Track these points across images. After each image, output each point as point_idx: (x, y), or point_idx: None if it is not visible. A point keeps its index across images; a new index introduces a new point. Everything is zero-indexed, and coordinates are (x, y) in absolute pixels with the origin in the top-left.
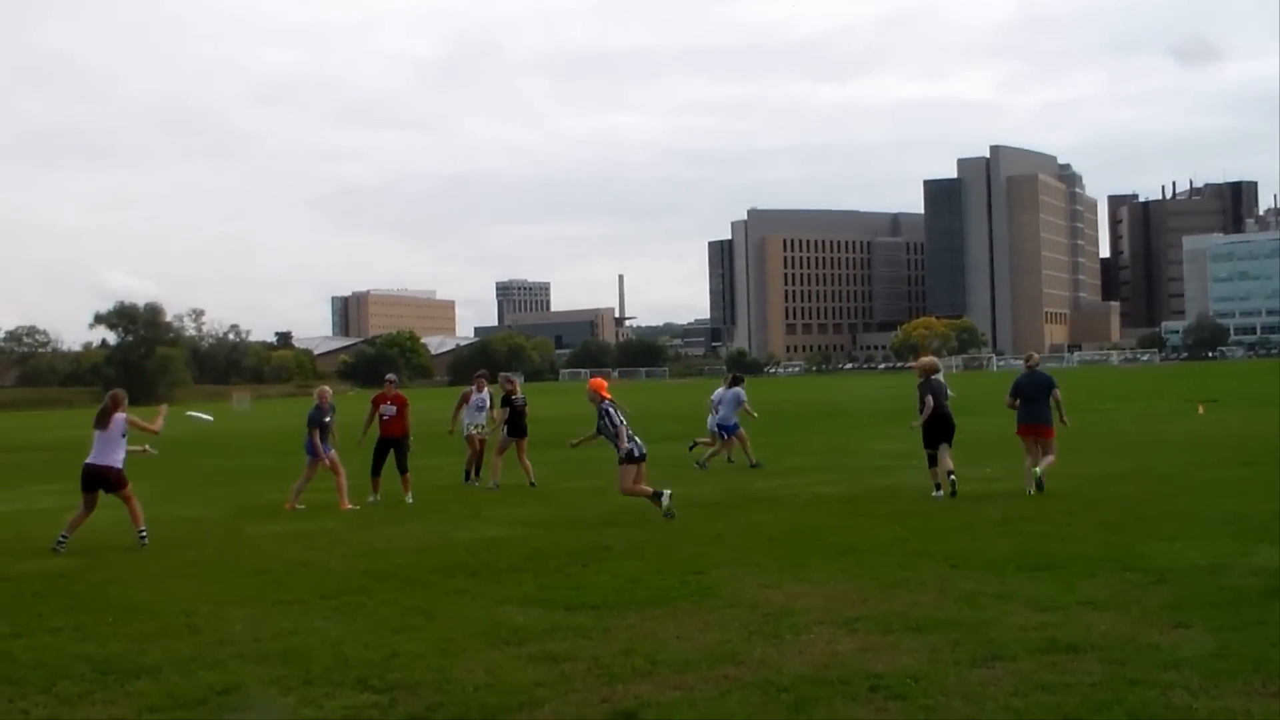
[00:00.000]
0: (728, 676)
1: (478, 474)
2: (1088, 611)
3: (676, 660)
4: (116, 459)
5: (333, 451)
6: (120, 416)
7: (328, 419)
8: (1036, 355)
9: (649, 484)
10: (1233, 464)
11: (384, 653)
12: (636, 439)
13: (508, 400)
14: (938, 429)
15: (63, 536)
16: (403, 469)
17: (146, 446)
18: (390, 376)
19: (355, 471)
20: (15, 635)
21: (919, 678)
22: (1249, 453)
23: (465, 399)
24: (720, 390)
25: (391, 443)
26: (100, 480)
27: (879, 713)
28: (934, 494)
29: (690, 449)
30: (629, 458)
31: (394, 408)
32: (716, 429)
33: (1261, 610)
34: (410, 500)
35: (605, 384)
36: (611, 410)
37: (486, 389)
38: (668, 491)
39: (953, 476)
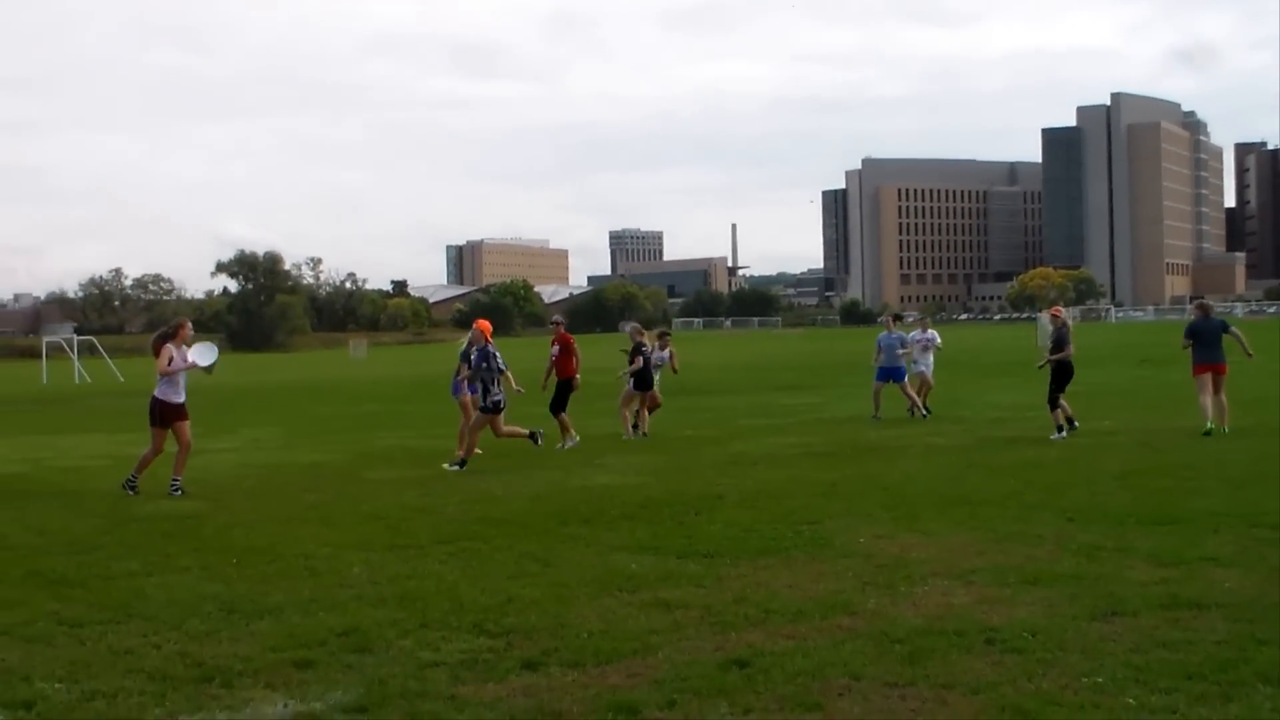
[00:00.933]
0: (841, 627)
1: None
2: (1211, 568)
3: (789, 609)
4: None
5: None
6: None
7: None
8: (1209, 301)
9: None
10: None
11: (499, 598)
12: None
13: (638, 351)
14: (1067, 373)
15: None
16: (556, 409)
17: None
18: (556, 318)
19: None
20: (147, 573)
21: (1036, 631)
22: None
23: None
24: (917, 333)
25: (560, 384)
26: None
27: (995, 666)
28: (1053, 436)
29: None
30: (495, 408)
31: (555, 348)
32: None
33: None
34: (564, 445)
35: (490, 327)
36: (496, 355)
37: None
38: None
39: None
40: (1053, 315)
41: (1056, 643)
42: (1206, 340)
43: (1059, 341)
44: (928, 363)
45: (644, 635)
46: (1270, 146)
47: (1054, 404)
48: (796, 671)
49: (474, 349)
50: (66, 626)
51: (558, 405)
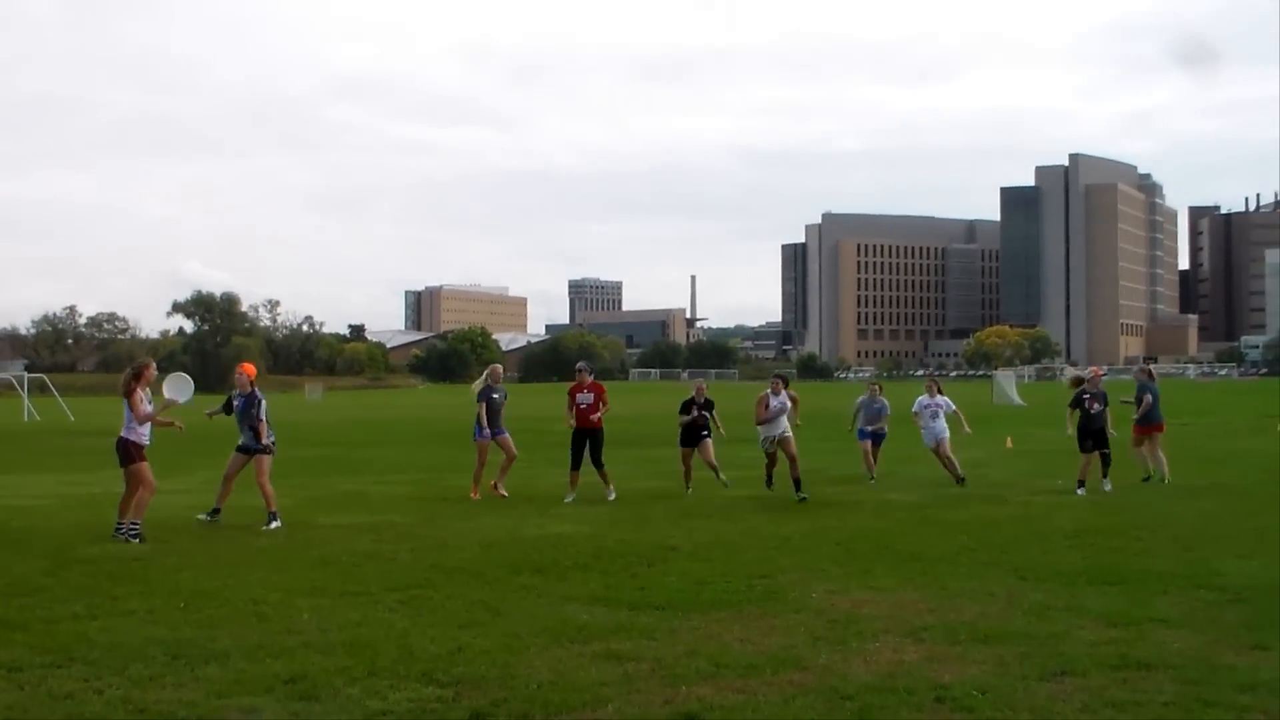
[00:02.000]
0: (792, 682)
1: None
2: (1160, 629)
3: (740, 664)
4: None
5: (505, 434)
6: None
7: (496, 395)
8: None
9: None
10: None
11: (449, 647)
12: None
13: (691, 404)
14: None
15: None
16: (598, 463)
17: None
18: (581, 365)
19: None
20: (91, 616)
21: (986, 690)
22: None
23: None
24: (924, 399)
25: (588, 434)
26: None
27: None
28: (1078, 491)
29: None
30: (268, 450)
31: (590, 396)
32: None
33: None
34: (612, 496)
35: (254, 371)
36: (263, 401)
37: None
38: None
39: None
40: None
41: (1006, 701)
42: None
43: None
44: (941, 429)
45: (594, 687)
46: (1223, 210)
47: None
48: None
49: (238, 395)
50: (4, 670)
51: (596, 456)
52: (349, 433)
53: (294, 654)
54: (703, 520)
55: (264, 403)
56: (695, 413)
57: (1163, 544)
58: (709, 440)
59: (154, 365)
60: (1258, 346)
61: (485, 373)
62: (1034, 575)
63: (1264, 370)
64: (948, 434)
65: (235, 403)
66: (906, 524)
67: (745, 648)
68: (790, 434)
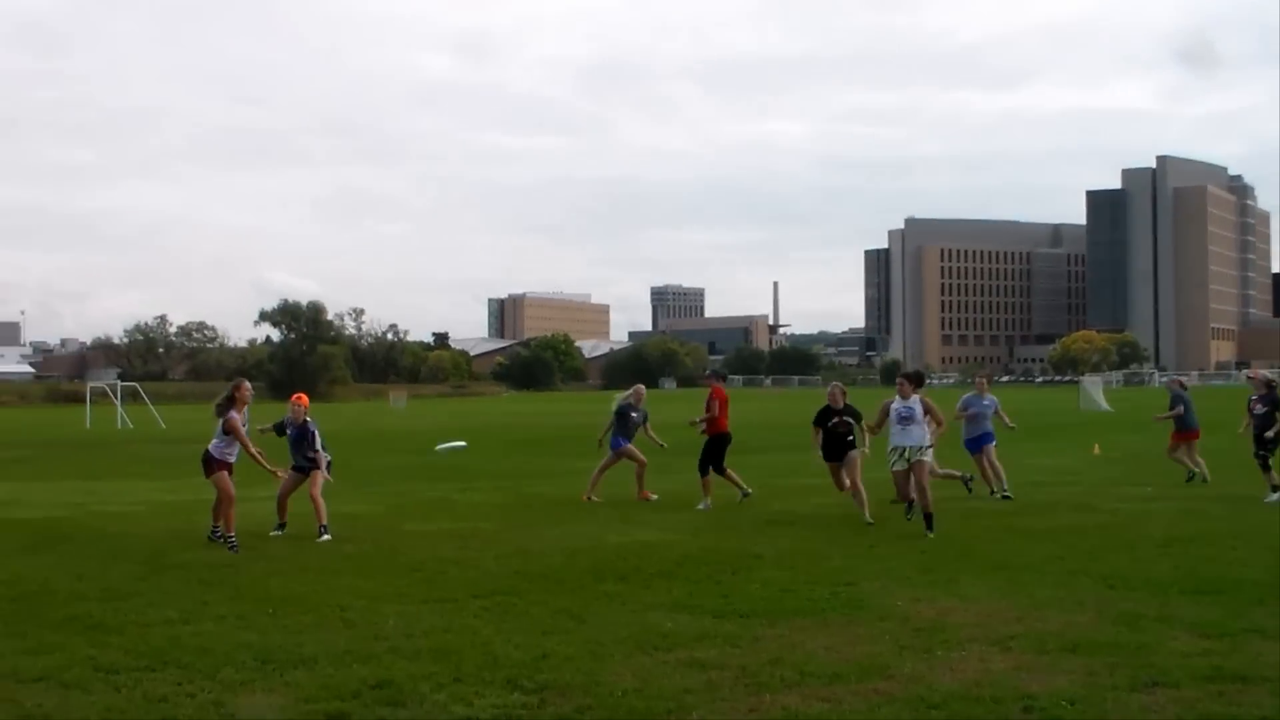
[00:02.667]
0: (877, 691)
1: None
2: (1256, 640)
3: (825, 672)
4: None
5: (629, 445)
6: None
7: (635, 415)
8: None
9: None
10: None
11: (534, 653)
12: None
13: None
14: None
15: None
16: (720, 469)
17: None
18: (710, 370)
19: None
20: (184, 621)
21: (1075, 700)
22: None
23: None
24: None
25: (714, 438)
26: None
27: None
28: (1268, 497)
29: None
30: (318, 465)
31: (716, 403)
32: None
33: None
34: (745, 494)
35: (308, 400)
36: (316, 431)
37: None
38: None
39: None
40: (1251, 378)
41: (1096, 713)
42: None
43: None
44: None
45: (678, 695)
46: None
47: (1265, 466)
48: None
49: (291, 424)
50: (102, 673)
51: (714, 461)
52: (433, 441)
53: (380, 659)
54: (786, 528)
55: (317, 433)
56: (836, 421)
57: (1258, 553)
58: (856, 455)
59: (248, 385)
60: None
61: (630, 391)
62: (1123, 584)
63: None
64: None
65: (289, 432)
66: (992, 531)
67: (830, 656)
68: (927, 455)
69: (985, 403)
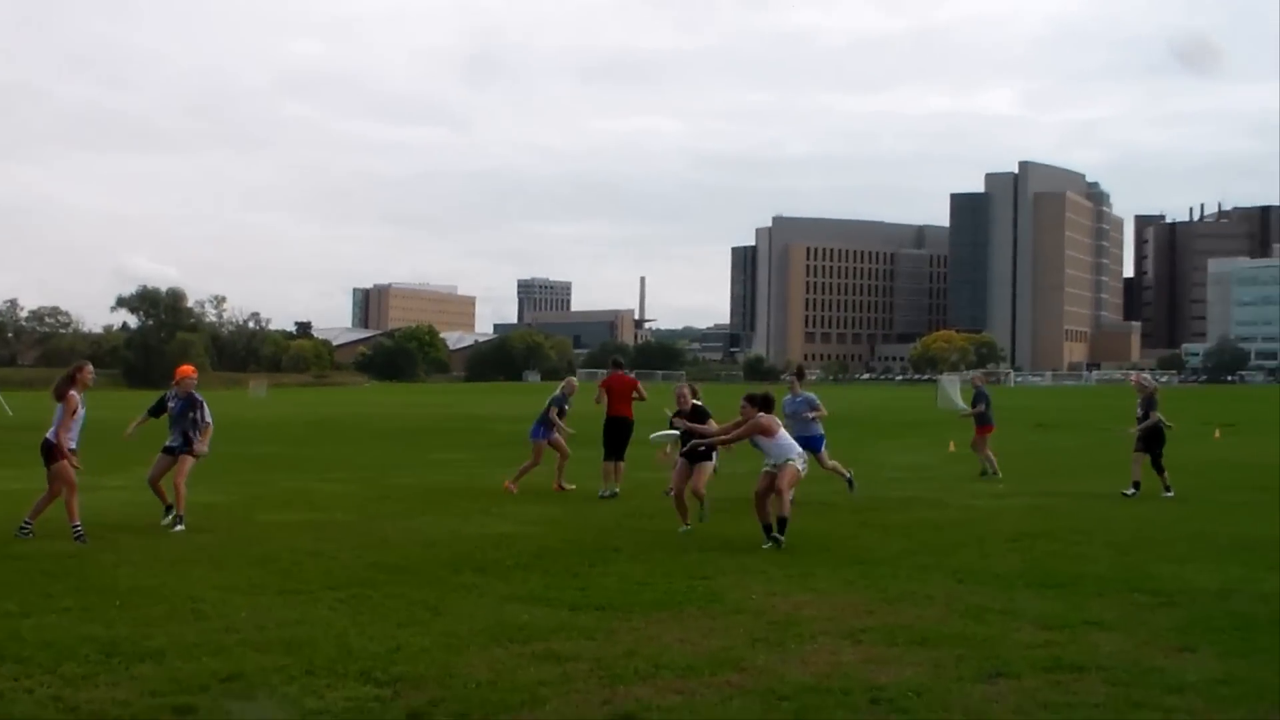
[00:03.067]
0: (730, 683)
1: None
2: (1094, 631)
3: (679, 664)
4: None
5: (557, 435)
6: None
7: (568, 406)
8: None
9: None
10: (1246, 489)
11: (388, 646)
12: None
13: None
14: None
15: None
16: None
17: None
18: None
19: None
20: (24, 614)
21: (921, 691)
22: (1263, 478)
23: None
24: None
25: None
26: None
27: None
28: (1165, 494)
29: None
30: (193, 452)
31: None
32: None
33: (1268, 637)
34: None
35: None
36: (204, 404)
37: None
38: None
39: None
40: (1138, 384)
41: (941, 703)
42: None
43: (1148, 407)
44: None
45: (533, 687)
46: (1168, 220)
47: (1158, 467)
48: None
49: (175, 396)
50: None
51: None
52: (293, 430)
53: (231, 652)
54: (645, 521)
55: (205, 406)
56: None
57: (1100, 549)
58: (708, 466)
59: (90, 368)
60: (1198, 354)
61: (563, 383)
62: (972, 578)
63: (1204, 377)
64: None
65: (171, 404)
66: (847, 527)
67: (684, 648)
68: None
69: (798, 400)
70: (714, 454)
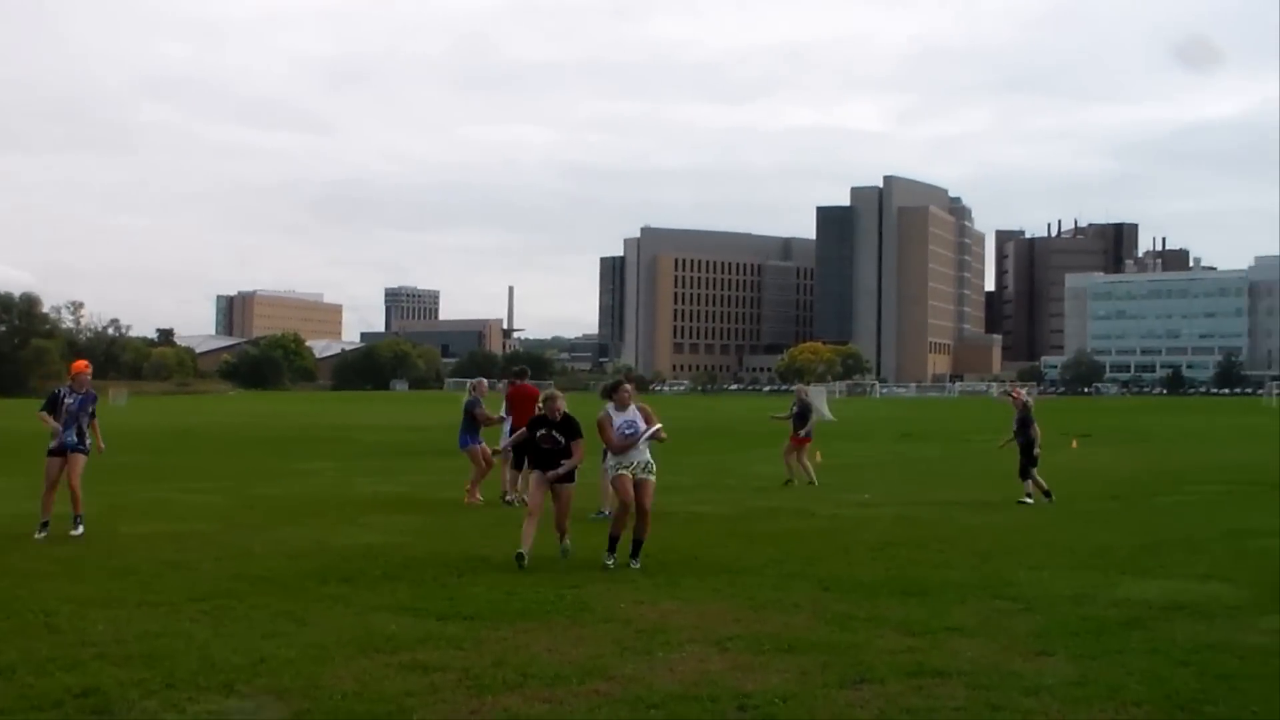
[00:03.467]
0: (598, 692)
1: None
2: (956, 637)
3: (547, 674)
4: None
5: (481, 445)
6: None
7: (479, 410)
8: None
9: None
10: (1102, 497)
11: (252, 658)
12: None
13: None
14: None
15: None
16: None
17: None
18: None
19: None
20: None
21: (787, 698)
22: (1117, 487)
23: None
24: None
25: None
26: None
27: None
28: (1024, 499)
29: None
30: (84, 450)
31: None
32: None
33: (1121, 640)
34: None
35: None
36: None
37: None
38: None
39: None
40: (1014, 398)
41: (806, 709)
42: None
43: (1023, 421)
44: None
45: (399, 698)
46: (1028, 235)
47: (1025, 475)
48: None
49: (71, 392)
50: None
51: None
52: (154, 439)
53: (87, 666)
54: (514, 530)
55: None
56: (543, 434)
57: (962, 556)
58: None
59: None
60: (1056, 366)
61: (472, 383)
62: (838, 586)
63: (1061, 389)
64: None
65: (67, 400)
66: (715, 536)
67: (552, 657)
68: (652, 474)
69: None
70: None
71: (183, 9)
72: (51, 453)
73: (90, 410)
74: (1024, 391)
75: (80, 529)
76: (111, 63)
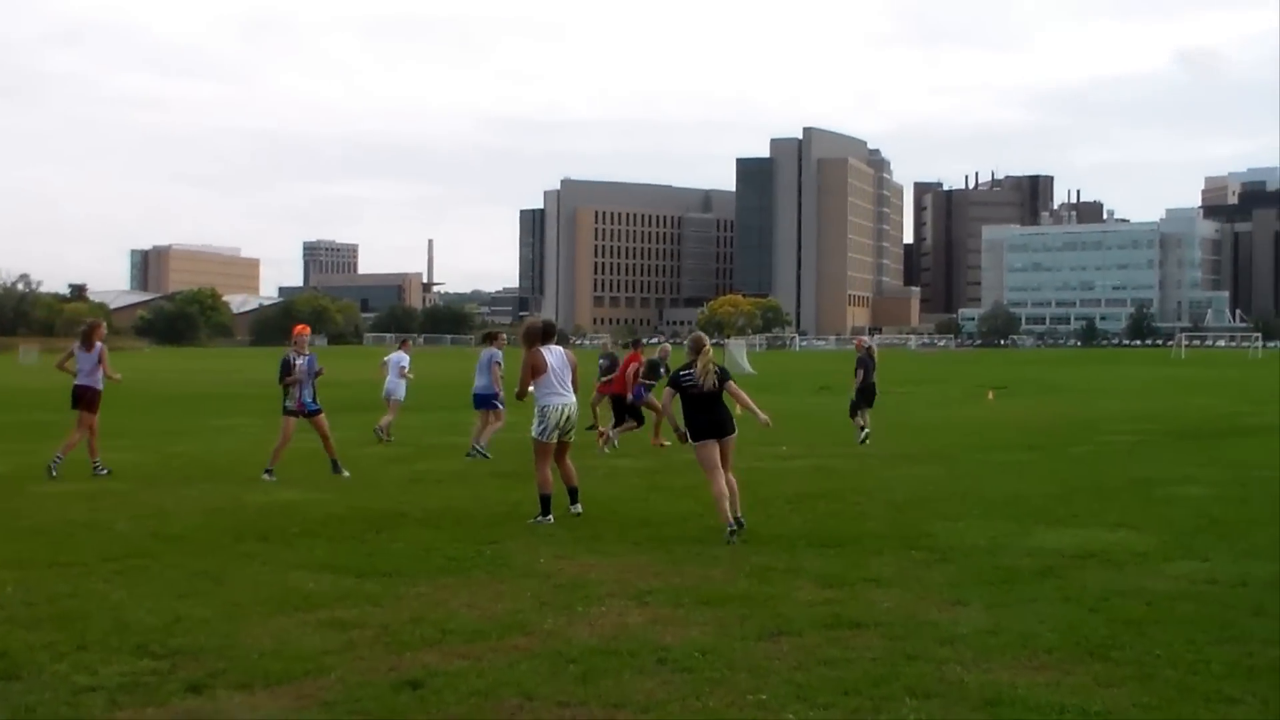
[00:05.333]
0: (517, 647)
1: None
2: (872, 588)
3: (466, 629)
4: (97, 380)
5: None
6: (100, 344)
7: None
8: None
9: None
10: (1017, 448)
11: (167, 618)
12: None
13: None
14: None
15: (58, 457)
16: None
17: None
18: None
19: None
20: None
21: (706, 651)
22: (1032, 438)
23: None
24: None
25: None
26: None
27: (665, 685)
28: (860, 439)
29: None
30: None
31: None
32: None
33: (1033, 589)
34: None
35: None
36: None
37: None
38: None
39: (866, 431)
40: (857, 344)
41: (725, 662)
42: None
43: (865, 368)
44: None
45: (317, 656)
46: (946, 187)
47: (854, 413)
48: (470, 692)
49: (299, 356)
50: None
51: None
52: (66, 397)
53: None
54: (434, 486)
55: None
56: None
57: (879, 508)
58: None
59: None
60: (973, 319)
61: (659, 349)
62: (756, 539)
63: (979, 341)
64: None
65: (298, 363)
66: (635, 490)
67: (471, 613)
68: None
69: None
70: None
71: None
72: (290, 413)
73: (317, 370)
74: (866, 340)
75: (345, 472)
76: (17, 10)
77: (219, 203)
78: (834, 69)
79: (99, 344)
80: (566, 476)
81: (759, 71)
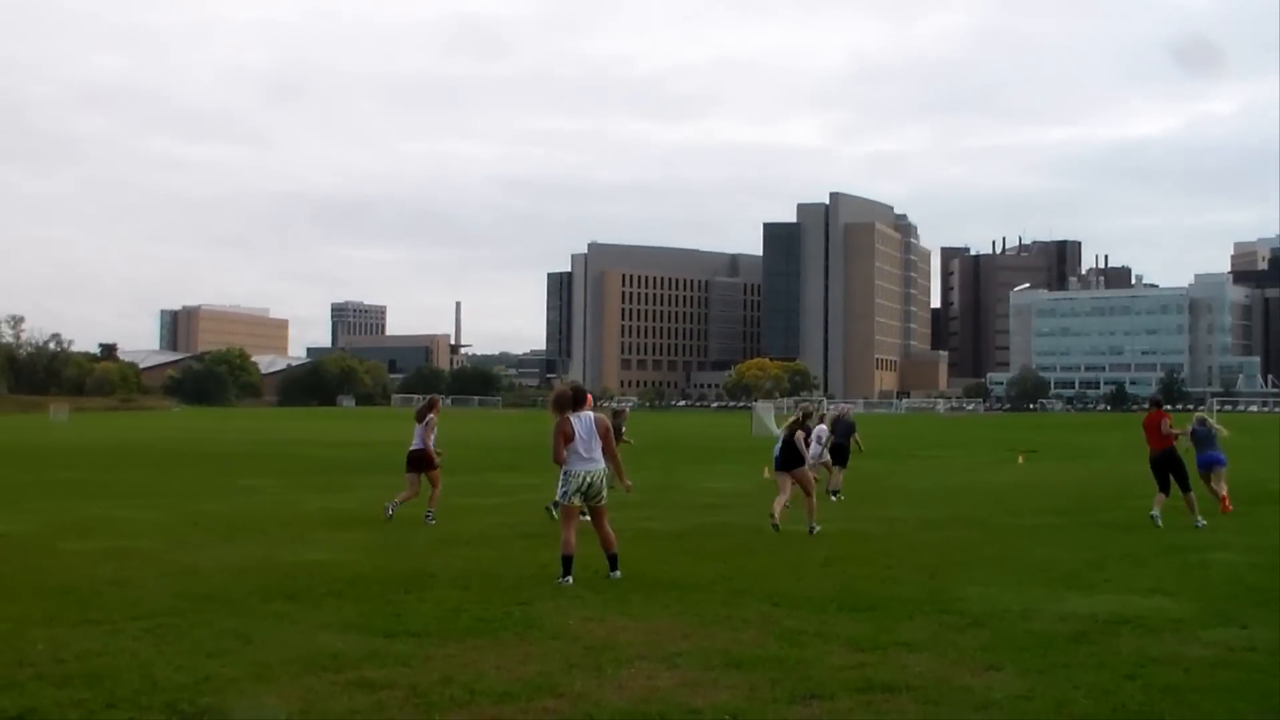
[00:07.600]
0: (546, 709)
1: None
2: (904, 652)
3: (495, 690)
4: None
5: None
6: (432, 416)
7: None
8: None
9: None
10: (1047, 513)
11: (196, 676)
12: None
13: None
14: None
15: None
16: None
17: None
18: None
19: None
20: None
21: (737, 714)
22: (1062, 502)
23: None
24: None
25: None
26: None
27: None
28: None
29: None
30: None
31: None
32: None
33: (1067, 654)
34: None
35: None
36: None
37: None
38: None
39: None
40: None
41: None
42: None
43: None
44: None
45: (345, 716)
46: (973, 252)
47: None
48: None
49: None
50: None
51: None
52: (96, 456)
53: (24, 687)
54: (461, 547)
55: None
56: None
57: (910, 572)
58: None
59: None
60: (1002, 383)
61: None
62: (786, 602)
63: (1007, 405)
64: None
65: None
66: (664, 552)
67: (500, 675)
68: (604, 490)
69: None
70: None
71: (120, 20)
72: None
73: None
74: (847, 408)
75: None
76: (47, 74)
77: (247, 264)
78: (860, 134)
79: (430, 415)
80: (605, 543)
81: (785, 136)
